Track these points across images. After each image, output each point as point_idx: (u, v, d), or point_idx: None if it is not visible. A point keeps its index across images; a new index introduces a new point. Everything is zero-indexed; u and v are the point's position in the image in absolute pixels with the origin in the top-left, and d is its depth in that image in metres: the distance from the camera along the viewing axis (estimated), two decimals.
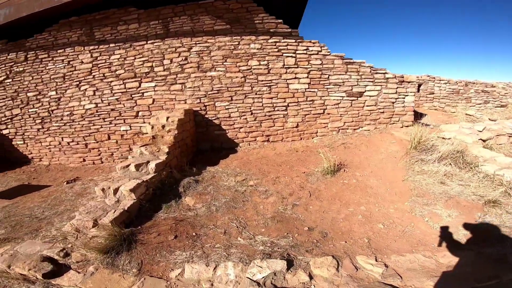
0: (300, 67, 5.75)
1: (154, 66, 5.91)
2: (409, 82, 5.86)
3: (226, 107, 5.98)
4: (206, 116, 6.01)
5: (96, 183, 5.21)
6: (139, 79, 5.98)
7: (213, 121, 6.04)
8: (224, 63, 5.85)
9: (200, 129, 6.01)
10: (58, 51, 6.08)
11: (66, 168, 6.56)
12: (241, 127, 6.07)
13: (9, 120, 6.69)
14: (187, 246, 2.88)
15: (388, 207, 3.29)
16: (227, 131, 6.09)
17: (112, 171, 5.81)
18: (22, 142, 6.80)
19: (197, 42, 5.80)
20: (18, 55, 6.23)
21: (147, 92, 6.00)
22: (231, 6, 5.51)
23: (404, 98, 5.86)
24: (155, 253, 2.76)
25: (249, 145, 6.14)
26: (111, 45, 5.92)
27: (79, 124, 6.29)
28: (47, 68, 6.18)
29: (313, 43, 5.68)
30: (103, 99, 6.09)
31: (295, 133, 6.02)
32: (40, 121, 6.46)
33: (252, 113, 5.95)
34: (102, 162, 6.49)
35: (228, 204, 3.69)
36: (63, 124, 6.36)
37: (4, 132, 6.84)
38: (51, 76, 6.19)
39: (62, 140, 6.48)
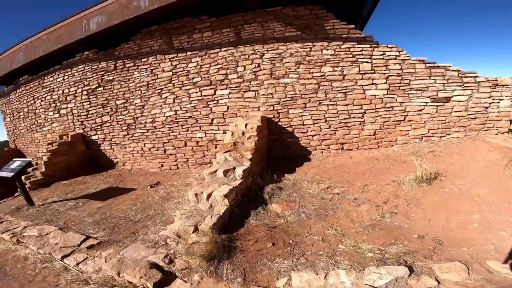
0: (377, 73, 5.50)
1: (228, 73, 6.11)
2: (504, 85, 5.26)
3: (300, 114, 5.94)
4: (279, 123, 6.03)
5: (177, 188, 5.49)
6: (214, 86, 6.22)
7: (286, 128, 6.03)
8: (297, 70, 5.83)
9: (272, 136, 6.04)
10: (142, 59, 6.61)
11: (146, 172, 7.05)
12: (314, 135, 5.97)
13: (99, 127, 7.43)
14: (286, 254, 2.84)
15: (506, 215, 2.95)
16: (299, 139, 6.04)
17: (189, 177, 6.09)
18: (109, 148, 7.49)
19: (269, 49, 5.85)
20: (109, 63, 6.91)
21: (221, 99, 6.22)
22: (300, 13, 5.49)
23: (498, 102, 5.26)
24: (256, 261, 2.75)
25: (322, 153, 6.00)
26: (188, 53, 6.25)
27: (159, 131, 6.73)
28: (133, 76, 6.75)
29: (390, 47, 5.40)
30: (181, 106, 6.45)
31: (372, 141, 5.75)
32: (126, 127, 7.07)
33: (326, 121, 5.83)
34: (178, 168, 6.85)
35: (317, 211, 3.62)
36: (145, 130, 6.87)
37: (94, 138, 7.61)
38: (137, 85, 6.75)
39: (144, 146, 6.99)
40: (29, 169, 6.73)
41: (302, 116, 5.93)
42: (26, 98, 8.72)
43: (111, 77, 6.97)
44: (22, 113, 9.11)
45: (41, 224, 4.15)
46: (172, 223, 3.50)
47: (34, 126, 8.87)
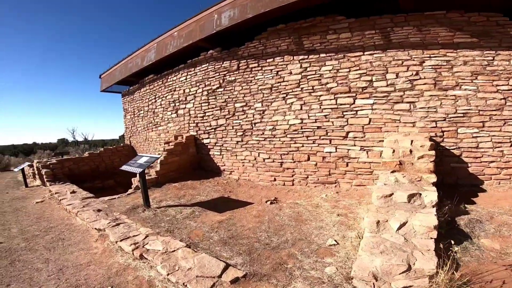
0: None
1: (373, 80, 5.00)
2: None
3: (474, 135, 4.41)
4: (442, 144, 4.58)
5: (306, 208, 4.52)
6: (354, 94, 5.16)
7: (451, 150, 4.54)
8: (473, 81, 4.41)
9: None
10: (267, 60, 6.01)
11: (256, 185, 6.27)
12: (491, 161, 4.36)
13: (212, 130, 7.06)
14: None
15: None
16: (468, 165, 4.48)
17: (312, 196, 5.13)
18: (218, 153, 7.02)
19: (431, 55, 4.65)
20: (232, 63, 6.52)
21: (362, 110, 5.09)
22: (472, 19, 4.39)
23: None
24: None
25: (499, 184, 4.33)
26: (322, 55, 5.40)
27: (279, 140, 5.93)
28: (256, 78, 6.19)
29: None
30: (310, 114, 5.54)
31: None
32: (241, 133, 6.49)
33: None
34: (293, 184, 5.88)
35: None
36: (263, 139, 6.15)
37: (205, 141, 7.26)
38: (259, 87, 6.15)
39: (259, 155, 6.26)
40: None
41: (477, 137, 4.41)
42: (148, 97, 9.11)
43: (232, 78, 6.56)
44: (142, 112, 9.57)
45: (163, 234, 3.53)
46: (332, 255, 2.75)
47: (150, 124, 9.17)
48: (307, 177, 5.69)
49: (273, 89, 5.99)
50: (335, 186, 5.43)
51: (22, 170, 8.16)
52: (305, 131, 5.62)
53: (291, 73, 5.76)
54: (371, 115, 5.04)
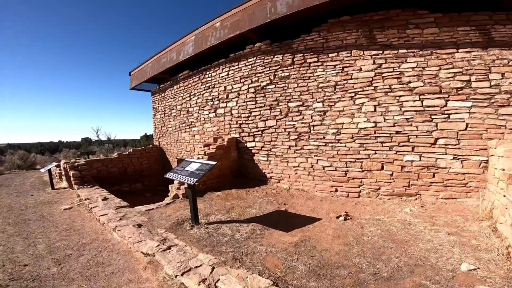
0: None
1: (472, 80, 4.15)
2: None
3: None
4: None
5: (394, 226, 3.71)
6: (446, 95, 4.31)
7: None
8: None
9: None
10: (330, 54, 5.23)
11: (312, 196, 5.45)
12: None
13: (259, 133, 6.28)
14: None
15: None
16: None
17: (388, 210, 4.40)
18: (265, 159, 6.23)
19: None
20: (285, 57, 5.76)
21: (456, 113, 4.23)
22: None
23: None
24: None
25: None
26: (401, 50, 4.60)
27: (345, 146, 5.09)
28: (315, 74, 5.40)
29: None
30: (386, 117, 4.70)
31: None
32: (295, 137, 5.69)
33: None
34: (359, 196, 5.04)
35: None
36: (323, 143, 5.33)
37: (249, 145, 6.50)
38: (319, 84, 5.34)
39: (317, 162, 5.44)
40: None
41: None
42: (182, 94, 8.42)
43: (286, 74, 5.77)
44: (174, 111, 8.88)
45: (232, 264, 2.75)
46: (483, 282, 2.23)
47: (183, 125, 8.47)
48: (379, 188, 4.85)
49: (337, 87, 5.18)
50: (416, 199, 4.59)
51: (49, 170, 7.54)
52: (379, 136, 4.78)
53: (361, 69, 4.94)
54: (469, 120, 4.18)
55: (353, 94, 5.02)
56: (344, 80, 5.10)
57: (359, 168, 4.99)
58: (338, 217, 4.27)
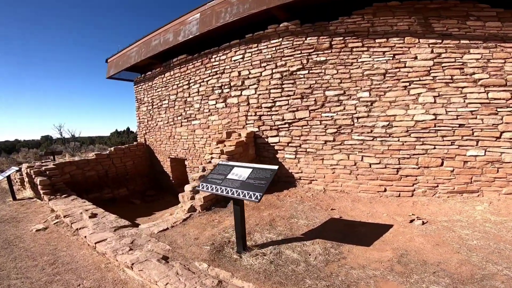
0: None
1: None
2: None
3: None
4: None
5: (487, 226, 3.33)
6: (511, 88, 4.04)
7: None
8: None
9: None
10: (377, 40, 4.69)
11: (357, 197, 4.88)
12: None
13: (285, 126, 5.49)
14: None
15: None
16: None
17: (462, 211, 4.08)
18: (293, 157, 5.48)
19: None
20: (320, 40, 5.06)
21: None
22: None
23: None
24: None
25: None
26: (463, 41, 4.26)
27: (398, 140, 4.59)
28: (359, 60, 4.81)
29: None
30: (448, 109, 4.29)
31: None
32: (334, 130, 5.03)
33: None
34: (412, 195, 4.60)
35: None
36: (370, 138, 4.76)
37: (271, 140, 5.68)
38: (365, 72, 4.77)
39: (362, 159, 4.86)
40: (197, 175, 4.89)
41: None
42: (177, 82, 7.19)
43: (322, 58, 5.07)
44: (166, 102, 7.58)
45: None
46: None
47: (179, 118, 7.25)
48: (437, 186, 4.45)
49: (387, 75, 4.64)
50: (478, 195, 4.28)
51: (8, 177, 5.79)
52: (440, 130, 4.35)
53: (416, 58, 4.47)
54: None
55: (407, 84, 4.52)
56: (396, 68, 4.58)
57: (415, 164, 4.53)
58: (411, 221, 3.76)
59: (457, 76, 4.27)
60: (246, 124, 5.94)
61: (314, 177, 5.34)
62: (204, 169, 4.99)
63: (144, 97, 8.37)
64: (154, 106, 7.99)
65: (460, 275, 2.40)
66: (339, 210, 4.44)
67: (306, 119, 5.27)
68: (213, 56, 6.36)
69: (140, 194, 7.32)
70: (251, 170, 3.21)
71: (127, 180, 7.31)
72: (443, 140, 4.35)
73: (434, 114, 4.37)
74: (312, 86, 5.20)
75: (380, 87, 4.68)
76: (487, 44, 4.17)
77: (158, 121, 7.91)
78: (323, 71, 5.09)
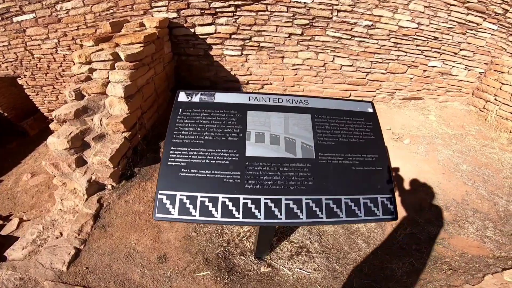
0: None
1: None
2: None
3: None
4: None
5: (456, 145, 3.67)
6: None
7: None
8: None
9: None
10: None
11: None
12: None
13: (230, 10, 3.85)
14: None
15: None
16: None
17: (422, 122, 4.29)
18: (238, 53, 4.12)
19: None
20: None
21: (484, 32, 4.21)
22: None
23: None
24: None
25: None
26: None
27: (377, 43, 4.10)
28: None
29: None
30: (431, 21, 4.00)
31: None
32: (306, 22, 3.91)
33: None
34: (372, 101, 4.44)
35: None
36: (348, 37, 4.02)
37: (201, 30, 4.01)
38: None
39: (333, 60, 4.17)
40: None
41: None
42: None
43: None
44: None
45: None
46: None
47: None
48: (394, 92, 4.48)
49: None
50: (422, 102, 4.67)
51: None
52: (417, 39, 4.10)
53: None
54: (488, 40, 4.26)
55: None
56: None
57: (384, 69, 4.28)
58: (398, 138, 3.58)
59: None
60: (152, 8, 3.89)
61: (268, 79, 4.25)
62: (80, 95, 2.93)
63: None
64: None
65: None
66: None
67: (266, 2, 3.85)
68: None
69: None
70: (294, 120, 1.50)
71: None
72: (416, 49, 4.16)
73: (418, 24, 3.99)
74: None
75: None
76: None
77: None
78: None
